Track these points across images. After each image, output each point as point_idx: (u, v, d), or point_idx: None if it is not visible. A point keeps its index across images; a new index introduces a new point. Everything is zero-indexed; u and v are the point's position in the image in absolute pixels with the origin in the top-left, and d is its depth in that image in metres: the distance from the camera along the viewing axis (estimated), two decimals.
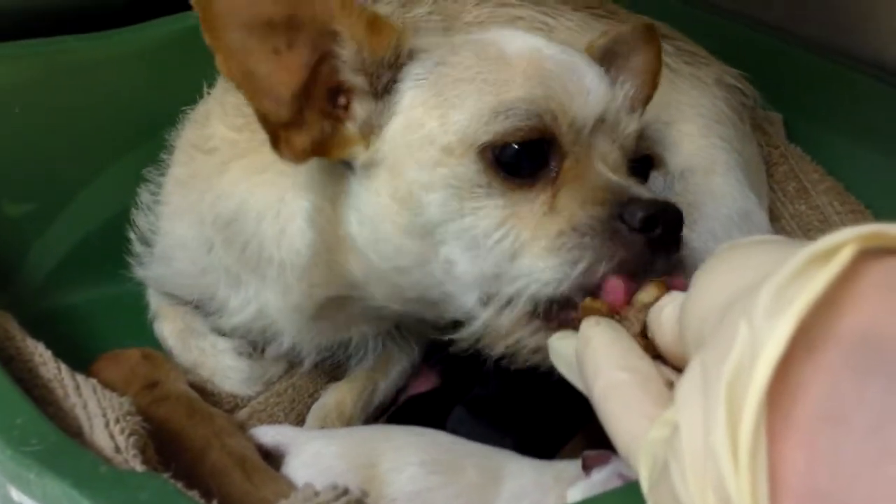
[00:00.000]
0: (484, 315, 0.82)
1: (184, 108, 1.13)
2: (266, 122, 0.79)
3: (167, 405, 0.94)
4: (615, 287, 0.72)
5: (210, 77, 1.13)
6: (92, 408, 0.80)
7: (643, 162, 0.87)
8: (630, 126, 0.85)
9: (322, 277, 0.91)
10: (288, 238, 0.91)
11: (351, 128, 0.83)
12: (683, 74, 1.22)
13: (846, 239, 0.40)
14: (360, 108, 0.83)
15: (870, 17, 1.33)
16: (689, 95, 1.21)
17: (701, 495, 0.43)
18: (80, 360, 0.94)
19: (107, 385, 0.87)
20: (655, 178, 1.11)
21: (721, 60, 1.30)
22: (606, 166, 0.82)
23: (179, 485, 0.70)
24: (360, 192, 0.85)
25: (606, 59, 0.95)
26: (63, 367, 0.86)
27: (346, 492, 0.71)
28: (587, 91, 0.82)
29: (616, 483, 0.83)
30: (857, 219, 1.21)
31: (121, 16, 1.27)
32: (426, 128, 0.81)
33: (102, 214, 1.26)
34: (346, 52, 0.81)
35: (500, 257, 0.79)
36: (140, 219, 1.13)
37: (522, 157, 0.79)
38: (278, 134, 0.79)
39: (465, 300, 0.83)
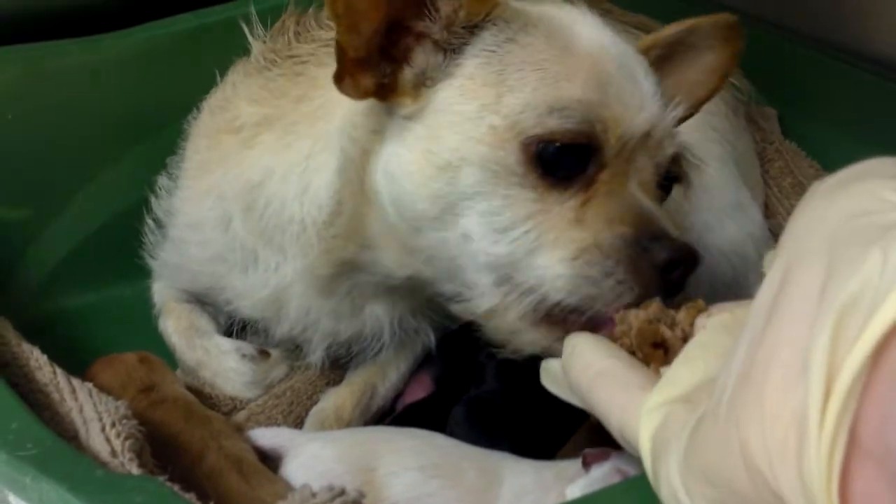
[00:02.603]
0: (492, 298, 0.82)
1: (175, 110, 1.14)
2: (341, 55, 0.80)
3: (164, 408, 0.94)
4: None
5: (201, 80, 1.13)
6: (88, 412, 0.80)
7: (669, 178, 0.87)
8: (669, 149, 0.84)
9: (340, 237, 0.91)
10: (311, 193, 0.91)
11: (408, 74, 0.84)
12: None
13: None
14: (422, 58, 0.84)
15: (866, 11, 1.33)
16: None
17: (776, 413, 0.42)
18: (77, 364, 0.94)
19: (103, 389, 0.87)
20: None
21: None
22: (640, 183, 0.82)
23: (176, 487, 0.70)
24: (394, 146, 0.85)
25: (673, 48, 0.95)
26: (59, 371, 0.86)
27: (342, 492, 0.71)
28: (641, 106, 0.81)
29: (615, 479, 0.83)
30: None
31: (113, 19, 1.27)
32: (479, 102, 0.81)
33: (98, 219, 1.26)
34: (444, 6, 0.82)
35: (519, 248, 0.79)
36: (157, 205, 1.14)
37: (563, 158, 0.79)
38: (347, 69, 0.81)
39: (476, 277, 0.83)
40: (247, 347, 1.10)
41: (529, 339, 0.81)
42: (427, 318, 1.05)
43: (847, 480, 0.39)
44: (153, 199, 1.14)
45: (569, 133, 0.78)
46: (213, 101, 1.10)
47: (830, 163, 1.32)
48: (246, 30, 1.09)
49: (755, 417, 0.43)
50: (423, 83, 0.83)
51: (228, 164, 1.00)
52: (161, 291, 1.18)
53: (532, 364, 0.80)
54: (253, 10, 1.10)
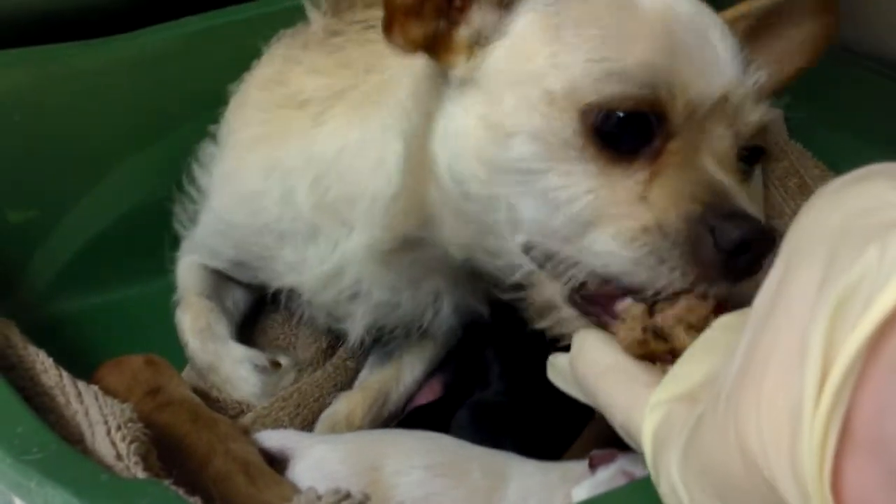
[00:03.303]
0: (532, 272, 0.79)
1: (182, 113, 1.14)
2: (389, 3, 0.77)
3: (170, 411, 0.94)
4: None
5: (208, 83, 1.13)
6: (93, 415, 0.80)
7: (753, 151, 0.79)
8: (752, 116, 0.77)
9: (403, 211, 0.88)
10: (385, 166, 0.88)
11: (463, 32, 0.80)
12: None
13: None
14: (478, 15, 0.79)
15: (872, 12, 1.33)
16: None
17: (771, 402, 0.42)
18: (83, 367, 0.94)
19: (109, 392, 0.87)
20: None
21: None
22: (716, 155, 0.74)
23: (181, 491, 0.70)
24: (450, 107, 0.81)
25: (764, 19, 0.89)
26: (64, 374, 0.86)
27: (348, 496, 0.71)
28: (714, 68, 0.74)
29: (621, 481, 0.83)
30: None
31: (122, 22, 1.27)
32: (533, 63, 0.76)
33: (104, 221, 1.26)
34: None
35: (574, 223, 0.73)
36: (200, 173, 1.12)
37: (626, 129, 0.72)
38: (396, 18, 0.77)
39: (516, 248, 0.79)
40: (259, 357, 1.10)
41: (563, 315, 0.77)
42: (484, 298, 1.02)
43: (839, 470, 0.40)
44: (196, 167, 1.13)
45: (629, 100, 0.72)
46: (263, 75, 1.07)
47: (836, 163, 1.32)
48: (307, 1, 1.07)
49: (752, 407, 0.43)
50: (478, 42, 0.79)
51: (294, 139, 0.97)
52: (188, 270, 1.17)
53: (538, 364, 0.80)
54: None
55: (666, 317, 0.68)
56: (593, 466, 0.86)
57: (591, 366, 0.67)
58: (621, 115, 0.72)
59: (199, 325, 1.12)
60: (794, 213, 1.19)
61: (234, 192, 1.06)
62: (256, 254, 1.07)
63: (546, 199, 0.75)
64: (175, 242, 1.29)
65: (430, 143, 0.83)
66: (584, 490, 0.85)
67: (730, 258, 0.69)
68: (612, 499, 0.75)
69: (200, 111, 1.17)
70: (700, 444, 0.49)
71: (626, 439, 0.62)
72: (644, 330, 0.68)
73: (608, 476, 0.85)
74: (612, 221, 0.72)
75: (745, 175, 0.77)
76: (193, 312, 1.13)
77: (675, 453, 0.52)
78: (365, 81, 0.92)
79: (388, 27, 0.78)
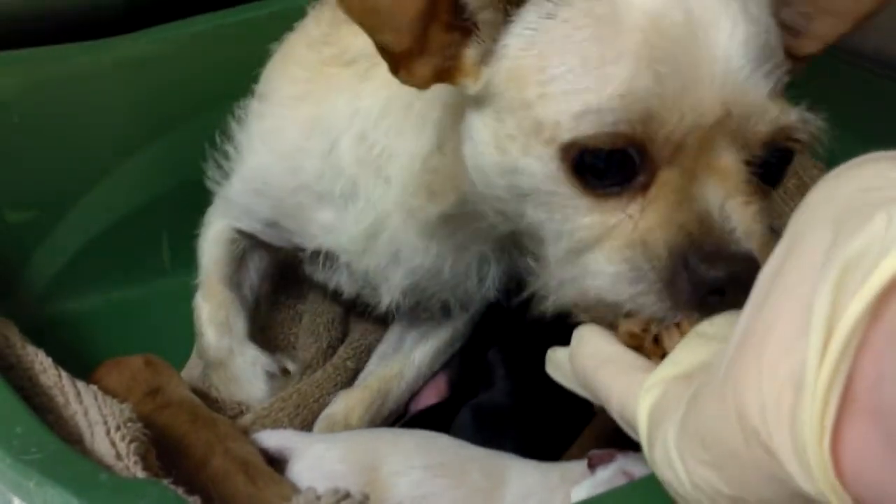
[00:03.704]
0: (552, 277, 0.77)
1: (180, 115, 1.13)
2: (385, 53, 0.74)
3: (170, 411, 0.94)
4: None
5: (207, 85, 1.13)
6: (93, 415, 0.80)
7: (780, 157, 0.74)
8: (761, 125, 0.70)
9: (439, 180, 0.87)
10: (426, 128, 0.87)
11: (470, 53, 0.77)
12: None
13: None
14: (478, 40, 0.76)
15: None
16: None
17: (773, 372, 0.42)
18: (82, 367, 0.94)
19: (109, 392, 0.87)
20: None
21: None
22: (717, 176, 0.70)
23: (180, 491, 0.70)
24: (472, 117, 0.79)
25: None
26: (64, 374, 0.86)
27: (347, 495, 0.71)
28: (708, 84, 0.68)
29: (621, 480, 0.83)
30: None
31: (119, 23, 1.27)
32: (526, 91, 0.73)
33: (103, 221, 1.26)
34: None
35: (575, 248, 0.73)
36: (238, 130, 1.10)
37: (608, 165, 0.70)
38: (399, 63, 0.75)
39: (549, 251, 0.77)
40: (271, 364, 1.10)
41: (628, 292, 0.72)
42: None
43: (839, 436, 0.40)
44: (234, 125, 1.10)
45: (605, 138, 0.68)
46: (309, 35, 1.06)
47: (835, 163, 1.31)
48: None
49: (753, 374, 0.44)
50: (483, 62, 0.76)
51: (340, 96, 0.96)
52: (213, 243, 1.16)
53: (541, 363, 0.80)
54: None
55: (672, 335, 0.68)
56: (592, 466, 0.87)
57: (590, 357, 0.67)
58: (599, 153, 0.70)
59: (218, 318, 1.11)
60: (793, 212, 1.18)
61: (273, 149, 1.04)
62: (292, 214, 1.05)
63: (550, 224, 0.74)
64: (174, 243, 1.30)
65: (461, 133, 0.82)
66: (583, 490, 0.85)
67: (704, 295, 0.68)
68: (612, 498, 0.75)
69: (199, 112, 1.18)
70: (698, 415, 0.49)
71: (623, 426, 0.62)
72: (644, 330, 0.68)
73: (608, 476, 0.85)
74: (607, 245, 0.71)
75: (759, 188, 0.72)
76: (214, 303, 1.12)
77: (672, 426, 0.52)
78: None
79: (395, 71, 0.75)
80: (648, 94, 0.68)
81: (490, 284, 1.00)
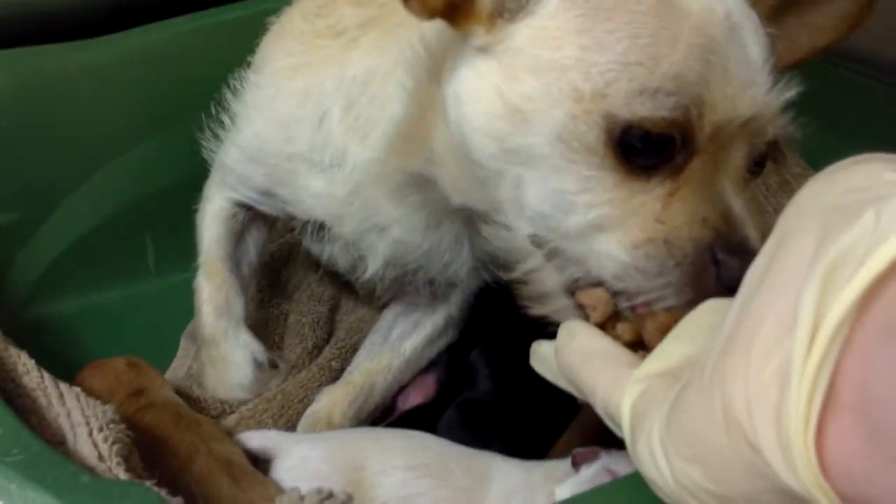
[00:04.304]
0: (533, 258, 0.77)
1: (163, 118, 1.13)
2: None
3: (153, 412, 0.94)
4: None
5: (191, 88, 1.13)
6: (76, 416, 0.80)
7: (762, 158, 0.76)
8: (772, 131, 0.73)
9: (406, 136, 0.88)
10: (406, 96, 0.87)
11: (485, 2, 0.74)
12: None
13: None
14: None
15: None
16: None
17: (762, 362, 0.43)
18: (65, 369, 0.94)
19: (92, 394, 0.87)
20: None
21: None
22: (730, 170, 0.71)
23: (163, 492, 0.70)
24: (465, 69, 0.77)
25: None
26: (46, 375, 0.85)
27: (330, 495, 0.71)
28: (748, 88, 0.70)
29: (605, 478, 0.83)
30: None
31: (103, 24, 1.27)
32: (562, 52, 0.70)
33: (87, 223, 1.26)
34: None
35: (586, 227, 0.72)
36: (234, 101, 1.11)
37: (649, 145, 0.69)
38: None
39: (518, 228, 0.77)
40: (261, 353, 1.11)
41: (561, 305, 0.75)
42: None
43: (823, 431, 0.40)
44: (229, 96, 1.11)
45: (661, 122, 0.68)
46: (305, 7, 1.07)
47: (817, 161, 1.33)
48: None
49: (740, 370, 0.44)
50: (501, 14, 0.74)
51: (330, 67, 0.98)
52: (213, 219, 1.16)
53: (526, 365, 0.80)
54: None
55: (644, 324, 0.69)
56: (576, 465, 0.86)
57: (577, 352, 0.67)
58: (647, 133, 0.69)
59: (217, 300, 1.12)
60: (776, 209, 1.19)
61: (268, 119, 1.06)
62: (285, 182, 1.06)
63: (560, 198, 0.72)
64: (158, 245, 1.30)
65: (441, 91, 0.80)
66: (567, 489, 0.85)
67: (729, 290, 0.66)
68: (596, 497, 0.75)
69: (185, 114, 1.17)
70: (683, 411, 0.49)
71: (608, 422, 0.62)
72: (611, 316, 0.69)
73: (591, 474, 0.85)
74: (622, 229, 0.70)
75: (748, 183, 0.75)
76: (215, 284, 1.13)
77: (656, 423, 0.52)
78: (397, 12, 0.86)
79: None
80: (700, 80, 0.68)
81: (465, 263, 1.02)
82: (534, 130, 0.71)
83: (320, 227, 1.06)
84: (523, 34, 0.73)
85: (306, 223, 1.07)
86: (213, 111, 1.11)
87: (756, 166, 0.75)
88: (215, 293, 1.12)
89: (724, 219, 0.70)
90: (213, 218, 1.16)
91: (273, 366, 1.11)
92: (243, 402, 1.07)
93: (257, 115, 1.07)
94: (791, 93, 0.72)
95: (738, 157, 0.72)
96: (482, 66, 0.75)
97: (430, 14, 0.74)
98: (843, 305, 0.39)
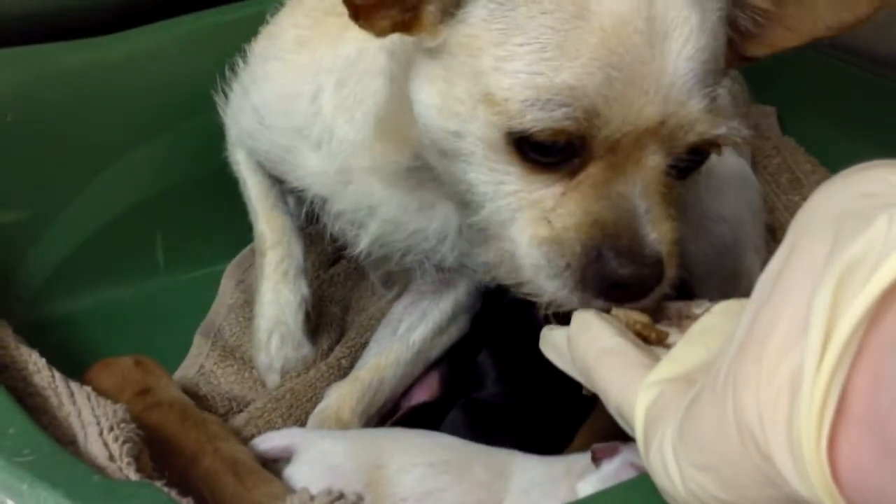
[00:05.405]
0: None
1: (171, 115, 1.13)
2: (349, 3, 0.77)
3: (160, 411, 0.94)
4: None
5: (199, 85, 1.13)
6: (86, 416, 0.80)
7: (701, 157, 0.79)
8: (691, 138, 0.75)
9: (389, 129, 0.92)
10: (387, 81, 0.92)
11: (430, 9, 0.79)
12: None
13: None
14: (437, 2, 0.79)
15: None
16: None
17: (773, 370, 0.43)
18: (74, 367, 0.94)
19: (99, 392, 0.87)
20: None
21: None
22: (641, 173, 0.75)
23: (173, 493, 0.70)
24: (422, 73, 0.82)
25: None
26: (57, 375, 0.86)
27: (341, 496, 0.71)
28: (653, 96, 0.72)
29: (628, 473, 0.82)
30: None
31: (111, 23, 1.27)
32: (480, 60, 0.75)
33: (97, 221, 1.26)
34: None
35: (498, 217, 0.79)
36: (244, 70, 1.15)
37: (540, 148, 0.74)
38: (360, 13, 0.78)
39: (480, 210, 0.81)
40: (298, 336, 1.15)
41: (548, 287, 0.78)
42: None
43: (835, 440, 0.40)
44: (240, 64, 1.15)
45: (549, 130, 0.72)
46: None
47: (828, 159, 1.32)
48: None
49: (752, 378, 0.44)
50: (441, 21, 0.79)
51: (329, 44, 1.02)
52: (248, 167, 1.20)
53: (534, 365, 0.79)
54: None
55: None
56: (597, 460, 0.86)
57: (590, 344, 0.67)
58: (537, 139, 0.74)
59: (283, 267, 1.16)
60: (786, 207, 1.19)
61: (272, 90, 1.09)
62: (283, 157, 1.09)
63: (482, 189, 0.79)
64: (168, 243, 1.30)
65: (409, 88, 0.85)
66: (590, 485, 0.85)
67: (611, 289, 0.74)
68: (621, 492, 0.74)
69: (192, 112, 1.17)
70: (696, 419, 0.49)
71: (620, 422, 0.62)
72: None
73: (614, 469, 0.84)
74: (528, 223, 0.77)
75: (671, 186, 0.78)
76: (283, 251, 1.17)
77: (669, 430, 0.52)
78: None
79: (355, 18, 0.78)
80: (596, 94, 0.71)
81: (449, 247, 1.04)
82: (466, 129, 0.77)
83: (323, 202, 1.09)
84: (455, 39, 0.78)
85: (311, 198, 1.10)
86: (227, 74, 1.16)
87: (681, 171, 0.77)
88: (285, 260, 1.16)
89: (617, 219, 0.74)
90: (249, 170, 1.20)
91: (300, 347, 1.14)
92: (251, 401, 1.08)
93: (263, 86, 1.11)
94: (710, 99, 0.75)
95: (653, 160, 0.75)
96: (431, 72, 0.81)
97: (381, 33, 0.80)
98: (855, 313, 0.39)
